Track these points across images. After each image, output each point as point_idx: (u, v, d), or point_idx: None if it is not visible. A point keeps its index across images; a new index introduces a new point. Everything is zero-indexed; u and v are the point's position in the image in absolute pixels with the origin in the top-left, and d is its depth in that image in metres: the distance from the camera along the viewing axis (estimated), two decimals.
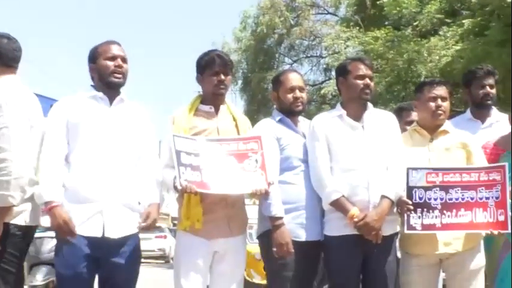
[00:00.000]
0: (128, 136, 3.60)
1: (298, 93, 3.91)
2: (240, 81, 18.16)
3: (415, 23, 11.39)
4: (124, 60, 3.65)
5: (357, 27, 13.49)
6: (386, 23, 12.77)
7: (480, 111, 4.66)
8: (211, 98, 3.79)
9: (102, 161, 3.49)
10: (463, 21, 10.52)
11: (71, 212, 3.41)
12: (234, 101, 19.44)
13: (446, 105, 3.89)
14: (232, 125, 3.81)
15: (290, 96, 3.91)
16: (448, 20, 11.01)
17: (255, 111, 15.99)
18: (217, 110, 3.80)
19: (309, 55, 18.24)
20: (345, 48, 13.61)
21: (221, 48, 17.90)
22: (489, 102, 4.63)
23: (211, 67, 3.74)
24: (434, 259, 3.81)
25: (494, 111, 4.68)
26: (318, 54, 17.77)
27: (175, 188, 3.52)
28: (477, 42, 9.92)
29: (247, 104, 18.38)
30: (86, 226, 3.44)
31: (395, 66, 11.09)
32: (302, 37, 16.93)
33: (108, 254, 3.48)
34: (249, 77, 17.05)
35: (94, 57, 3.66)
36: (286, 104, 3.92)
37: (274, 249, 3.65)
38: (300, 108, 3.93)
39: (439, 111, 3.86)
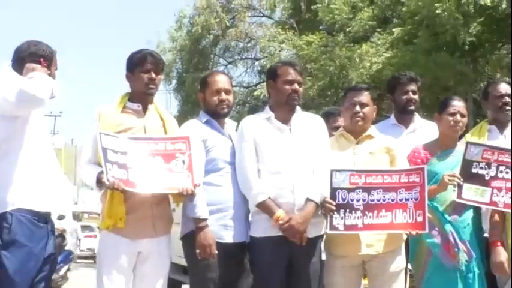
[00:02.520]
0: None
1: (223, 96, 3.90)
2: (174, 81, 18.07)
3: (348, 29, 11.59)
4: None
5: (292, 31, 13.64)
6: (320, 27, 12.94)
7: (403, 116, 4.78)
8: (140, 97, 3.75)
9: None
10: (394, 29, 10.79)
11: None
12: (168, 101, 19.32)
13: (366, 111, 3.95)
14: (160, 124, 3.78)
15: (215, 98, 3.90)
16: (379, 29, 11.25)
17: (189, 111, 15.91)
18: (145, 108, 3.76)
19: (244, 57, 18.32)
20: (279, 51, 13.73)
21: (156, 47, 17.80)
22: (412, 107, 4.76)
23: (142, 65, 3.70)
24: (357, 260, 3.87)
25: (417, 117, 4.81)
26: (252, 56, 17.87)
27: (98, 184, 3.47)
28: (406, 50, 10.19)
29: (181, 104, 18.28)
30: None
31: (328, 71, 11.25)
32: (237, 39, 16.98)
33: None
34: (184, 77, 16.96)
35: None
36: (212, 106, 3.91)
37: (198, 250, 3.64)
38: (225, 110, 3.92)
39: (357, 118, 3.94)
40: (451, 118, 4.03)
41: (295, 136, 3.80)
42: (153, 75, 3.71)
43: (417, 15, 10.00)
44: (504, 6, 9.04)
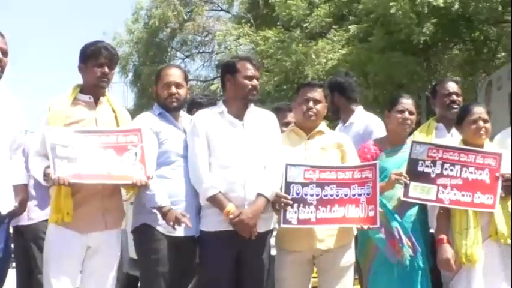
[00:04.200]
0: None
1: (173, 90, 3.90)
2: (130, 74, 17.86)
3: (304, 25, 11.64)
4: (4, 53, 3.49)
5: (249, 26, 13.65)
6: (278, 23, 12.97)
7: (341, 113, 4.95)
8: (92, 89, 3.72)
9: None
10: (349, 26, 10.88)
11: None
12: (124, 94, 19.11)
13: (319, 107, 4.00)
14: (112, 116, 3.76)
15: (165, 92, 3.90)
16: (335, 26, 11.34)
17: (145, 104, 15.77)
18: (96, 100, 3.73)
19: (201, 51, 18.24)
20: (236, 46, 13.73)
21: (112, 39, 17.56)
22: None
23: (96, 58, 3.67)
24: (308, 255, 3.92)
25: (356, 112, 4.92)
26: (210, 51, 17.81)
27: (45, 178, 3.45)
28: (361, 48, 10.29)
29: (137, 97, 18.11)
30: None
31: (284, 66, 11.29)
32: (195, 32, 16.91)
33: None
34: (140, 69, 16.79)
35: None
36: (162, 99, 3.92)
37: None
38: (175, 104, 3.91)
39: (310, 113, 3.98)
40: (399, 115, 4.10)
41: (248, 131, 3.82)
42: (106, 69, 3.68)
43: (372, 14, 10.10)
44: (456, 7, 9.21)
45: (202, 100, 4.85)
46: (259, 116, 3.92)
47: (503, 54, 12.17)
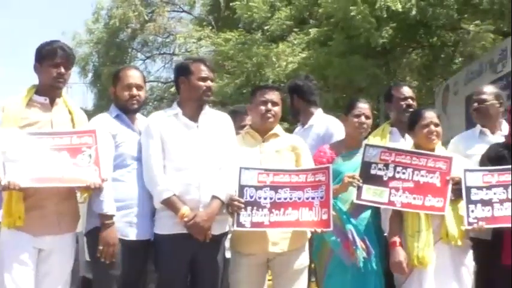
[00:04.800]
0: None
1: (134, 91, 3.88)
2: (90, 75, 17.65)
3: (265, 28, 11.67)
4: None
5: (210, 28, 13.63)
6: (239, 25, 12.98)
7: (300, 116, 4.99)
8: (48, 90, 3.65)
9: None
10: (310, 30, 10.95)
11: None
12: (84, 95, 18.88)
13: (276, 109, 4.02)
14: (68, 118, 3.70)
15: (126, 93, 3.87)
16: (296, 29, 11.39)
17: (105, 105, 15.60)
18: (52, 102, 3.66)
19: (162, 52, 18.15)
20: (197, 48, 13.70)
21: (72, 39, 17.37)
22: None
23: (52, 58, 3.61)
24: (262, 258, 3.92)
25: (316, 115, 4.96)
26: (171, 52, 17.71)
27: None
28: (321, 51, 10.36)
29: (97, 98, 17.90)
30: None
31: (245, 68, 11.30)
32: (156, 33, 16.79)
33: None
34: (100, 70, 16.60)
35: None
36: (122, 101, 3.88)
37: (100, 247, 3.59)
38: (136, 106, 3.90)
39: (269, 115, 3.99)
40: (356, 120, 4.14)
41: (203, 133, 3.81)
42: (63, 69, 3.62)
43: (333, 18, 10.18)
44: (414, 12, 9.35)
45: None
46: (214, 118, 3.91)
47: (460, 59, 12.41)
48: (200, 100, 3.84)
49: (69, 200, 3.64)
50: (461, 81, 10.44)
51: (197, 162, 3.73)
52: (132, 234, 3.71)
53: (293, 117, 5.45)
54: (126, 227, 3.70)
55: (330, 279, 4.03)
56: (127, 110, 3.88)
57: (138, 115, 4.01)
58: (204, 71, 3.84)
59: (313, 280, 4.81)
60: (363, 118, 4.14)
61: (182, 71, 3.90)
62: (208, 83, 3.84)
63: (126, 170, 3.77)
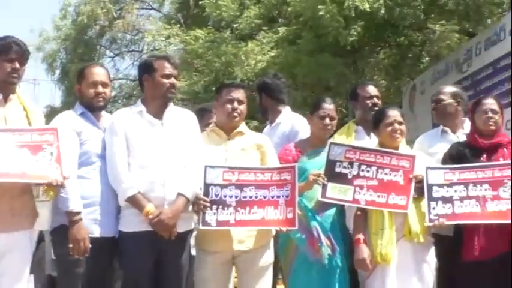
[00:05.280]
0: None
1: (100, 89, 3.86)
2: (58, 72, 17.40)
3: (235, 26, 11.65)
4: None
5: (179, 25, 13.55)
6: (209, 23, 12.93)
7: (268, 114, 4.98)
8: (1, 86, 3.59)
9: None
10: (279, 28, 10.95)
11: None
12: (52, 92, 18.62)
13: (242, 108, 4.03)
14: (22, 115, 3.63)
15: (92, 91, 3.85)
16: (265, 27, 11.39)
17: (73, 103, 15.33)
18: (6, 98, 3.59)
19: (131, 49, 17.92)
20: (166, 46, 13.61)
21: (39, 36, 17.13)
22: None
23: (6, 53, 3.54)
24: (228, 256, 3.94)
25: (283, 113, 4.98)
26: (140, 49, 17.54)
27: None
28: (290, 50, 10.37)
29: (65, 95, 17.66)
30: None
31: (214, 67, 11.26)
32: (125, 31, 16.61)
33: None
34: (68, 67, 16.37)
35: None
36: (88, 98, 3.86)
37: (70, 245, 3.56)
38: (101, 104, 3.88)
39: (235, 114, 4.00)
40: (321, 121, 4.17)
41: (167, 131, 3.80)
42: (17, 65, 3.56)
43: (301, 16, 10.20)
44: (382, 12, 9.41)
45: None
46: (179, 116, 3.90)
47: (427, 59, 12.54)
48: (164, 97, 3.83)
49: (23, 197, 3.56)
50: (428, 81, 10.56)
51: (162, 160, 3.72)
52: (96, 232, 3.68)
53: (261, 116, 5.47)
54: (91, 224, 3.68)
55: (295, 275, 4.06)
56: (92, 108, 3.85)
57: (104, 113, 3.99)
58: (168, 68, 3.83)
59: (280, 277, 4.84)
60: (327, 120, 4.17)
61: (146, 69, 3.89)
62: (172, 80, 3.83)
63: (91, 167, 3.75)
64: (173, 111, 3.88)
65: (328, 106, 4.21)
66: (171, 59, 3.96)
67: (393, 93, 12.66)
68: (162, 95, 3.83)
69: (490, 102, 4.13)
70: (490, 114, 4.07)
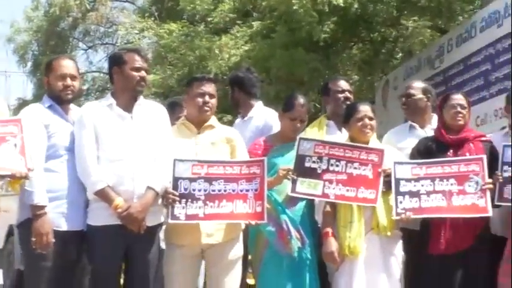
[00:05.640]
0: None
1: (68, 81, 3.83)
2: (29, 64, 17.19)
3: (209, 20, 11.62)
4: None
5: (153, 19, 13.47)
6: (183, 17, 12.87)
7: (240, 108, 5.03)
8: None
9: None
10: (253, 23, 10.96)
11: None
12: (24, 84, 18.39)
13: (213, 101, 4.03)
14: None
15: (60, 83, 3.82)
16: (239, 21, 11.38)
17: (44, 95, 15.15)
18: None
19: (104, 42, 17.79)
20: (140, 39, 13.52)
21: (10, 27, 16.89)
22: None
23: None
24: (197, 250, 3.94)
25: (256, 107, 4.99)
26: (113, 42, 17.38)
27: None
28: (264, 44, 10.39)
29: (36, 87, 17.46)
30: None
31: (187, 61, 11.22)
32: (98, 23, 16.45)
33: None
34: (40, 59, 16.17)
35: None
36: (56, 91, 3.83)
37: (34, 239, 3.53)
38: (70, 96, 3.85)
39: (206, 107, 4.00)
40: (291, 122, 4.18)
41: (137, 124, 3.78)
42: None
43: (275, 11, 10.22)
44: (355, 8, 9.48)
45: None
46: (149, 109, 3.89)
47: (400, 55, 12.64)
48: (134, 91, 3.81)
49: None
50: (401, 77, 10.65)
51: (131, 153, 3.70)
52: (64, 225, 3.66)
53: (233, 109, 5.47)
54: (59, 218, 3.66)
55: (266, 268, 4.08)
56: (60, 101, 3.83)
57: (72, 105, 3.97)
58: (138, 61, 3.81)
59: (251, 271, 4.85)
60: (298, 124, 4.18)
61: (116, 61, 3.87)
62: (142, 73, 3.81)
63: (58, 160, 3.72)
64: (143, 104, 3.87)
65: (300, 109, 4.20)
66: (142, 52, 3.95)
67: (366, 89, 12.74)
68: (131, 88, 3.80)
69: (459, 98, 4.18)
70: (459, 109, 4.12)
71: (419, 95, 4.60)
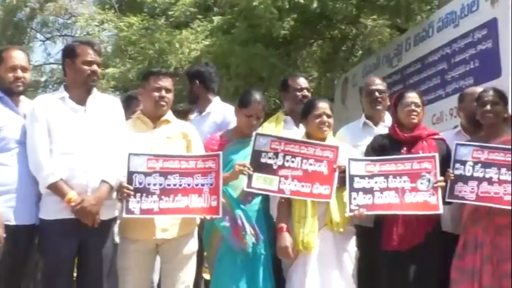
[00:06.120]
0: None
1: (19, 73, 3.78)
2: None
3: (169, 13, 11.52)
4: None
5: (113, 11, 13.29)
6: (144, 9, 12.73)
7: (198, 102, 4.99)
8: None
9: None
10: (214, 17, 10.90)
11: None
12: None
13: (170, 96, 4.01)
14: None
15: (11, 75, 3.77)
16: (200, 16, 11.32)
17: None
18: None
19: (63, 34, 17.48)
20: (100, 31, 13.33)
21: None
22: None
23: None
24: (151, 244, 3.93)
25: (214, 102, 4.99)
26: (72, 34, 17.09)
27: None
28: (224, 39, 10.35)
29: None
30: None
31: (147, 54, 11.10)
32: (56, 14, 16.17)
33: None
34: None
35: None
36: (6, 82, 3.77)
37: None
38: (21, 88, 3.81)
39: (162, 102, 3.98)
40: (247, 119, 4.19)
41: (90, 117, 3.75)
42: None
43: (236, 6, 10.19)
44: (315, 5, 9.51)
45: None
46: (103, 102, 3.85)
47: (359, 53, 12.76)
48: (86, 84, 3.77)
49: None
50: (360, 74, 10.75)
51: (84, 147, 3.66)
52: (14, 219, 3.60)
53: (190, 103, 5.44)
54: (10, 212, 3.60)
55: (220, 263, 4.08)
56: (11, 93, 3.77)
57: (23, 98, 3.91)
58: (90, 55, 3.76)
59: (206, 266, 4.86)
60: (254, 121, 4.18)
61: (68, 53, 3.82)
62: (94, 67, 3.77)
63: (9, 153, 3.66)
64: (97, 97, 3.82)
65: (256, 106, 4.20)
66: (95, 45, 3.89)
67: (326, 86, 12.82)
68: (82, 82, 3.76)
69: (413, 96, 4.23)
70: (413, 107, 4.17)
71: (386, 93, 4.66)
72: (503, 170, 3.85)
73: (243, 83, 10.10)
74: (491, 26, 7.16)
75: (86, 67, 3.74)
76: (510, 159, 3.85)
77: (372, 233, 4.15)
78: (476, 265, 3.86)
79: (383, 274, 4.07)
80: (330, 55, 12.09)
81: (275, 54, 10.33)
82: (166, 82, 4.02)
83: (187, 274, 3.98)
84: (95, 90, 3.83)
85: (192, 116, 5.19)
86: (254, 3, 9.40)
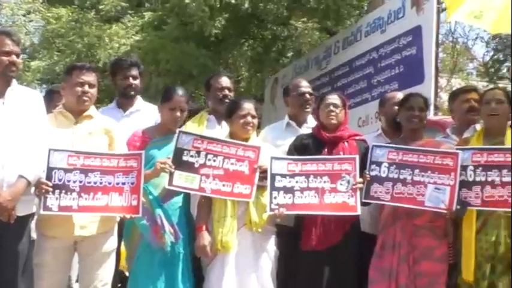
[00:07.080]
0: None
1: None
2: None
3: (100, 7, 11.33)
4: None
5: (41, 1, 12.94)
6: (75, 1, 12.46)
7: (123, 100, 4.90)
8: None
9: None
10: (145, 13, 10.81)
11: None
12: None
13: (93, 91, 3.97)
14: None
15: None
16: (131, 11, 11.19)
17: None
18: None
19: None
20: (26, 21, 12.97)
21: None
22: (132, 92, 4.89)
23: None
24: (69, 241, 3.87)
25: (138, 101, 4.94)
26: None
27: None
28: (155, 36, 10.28)
29: None
30: None
31: (76, 48, 10.88)
32: None
33: None
34: None
35: None
36: None
37: None
38: None
39: (85, 97, 3.93)
40: (169, 112, 4.16)
41: (8, 110, 3.65)
42: None
43: (168, 3, 10.15)
44: (246, 5, 9.58)
45: None
46: (23, 95, 3.76)
47: (290, 54, 12.91)
48: (4, 75, 3.67)
49: None
50: (290, 75, 10.91)
51: (1, 140, 3.56)
52: None
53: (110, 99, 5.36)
54: None
55: (138, 262, 4.06)
56: None
57: None
58: (8, 45, 3.67)
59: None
60: (177, 113, 4.15)
61: None
62: (12, 57, 3.68)
63: None
64: (17, 90, 3.73)
65: (179, 98, 4.17)
66: (13, 35, 3.78)
67: (256, 85, 12.92)
68: (1, 73, 3.66)
69: (333, 97, 4.30)
70: (331, 108, 4.23)
71: (313, 95, 4.73)
72: (417, 171, 3.96)
73: (173, 80, 10.07)
74: (416, 33, 7.41)
75: (3, 57, 3.64)
76: (425, 160, 3.95)
77: (291, 232, 4.20)
78: (393, 264, 3.95)
79: (302, 274, 4.11)
80: (261, 55, 12.19)
81: (205, 53, 10.34)
82: (90, 77, 3.96)
83: (106, 272, 3.95)
84: (14, 82, 3.73)
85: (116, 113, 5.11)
86: (186, 1, 9.39)
